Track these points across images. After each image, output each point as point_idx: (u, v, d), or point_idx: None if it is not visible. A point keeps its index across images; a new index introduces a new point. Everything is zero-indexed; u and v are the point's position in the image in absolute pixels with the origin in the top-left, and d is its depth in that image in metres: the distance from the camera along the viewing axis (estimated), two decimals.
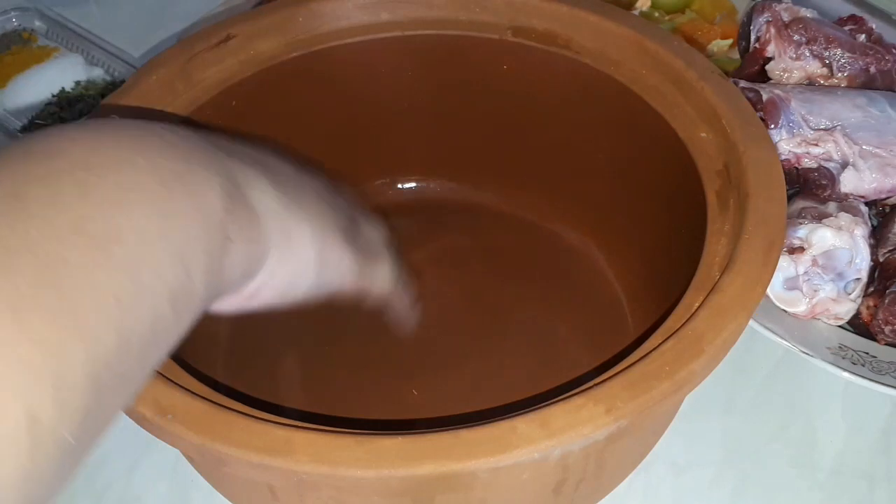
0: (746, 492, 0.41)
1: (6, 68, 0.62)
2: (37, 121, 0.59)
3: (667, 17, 0.65)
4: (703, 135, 0.38)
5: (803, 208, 0.48)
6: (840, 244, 0.45)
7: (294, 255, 0.29)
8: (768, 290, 0.44)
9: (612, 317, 0.46)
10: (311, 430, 0.27)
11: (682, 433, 0.43)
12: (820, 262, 0.46)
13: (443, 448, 0.26)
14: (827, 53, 0.54)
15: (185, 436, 0.27)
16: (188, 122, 0.40)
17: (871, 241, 0.47)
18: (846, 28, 0.57)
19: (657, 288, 0.40)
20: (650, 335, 0.30)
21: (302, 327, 0.46)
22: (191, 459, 0.39)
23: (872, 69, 0.54)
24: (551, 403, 0.27)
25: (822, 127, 0.50)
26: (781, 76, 0.56)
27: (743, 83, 0.52)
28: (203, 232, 0.24)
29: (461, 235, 0.51)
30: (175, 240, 0.23)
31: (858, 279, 0.46)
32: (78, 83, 0.61)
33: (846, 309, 0.46)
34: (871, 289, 0.46)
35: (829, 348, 0.44)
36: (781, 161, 0.45)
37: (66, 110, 0.60)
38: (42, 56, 0.63)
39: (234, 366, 0.44)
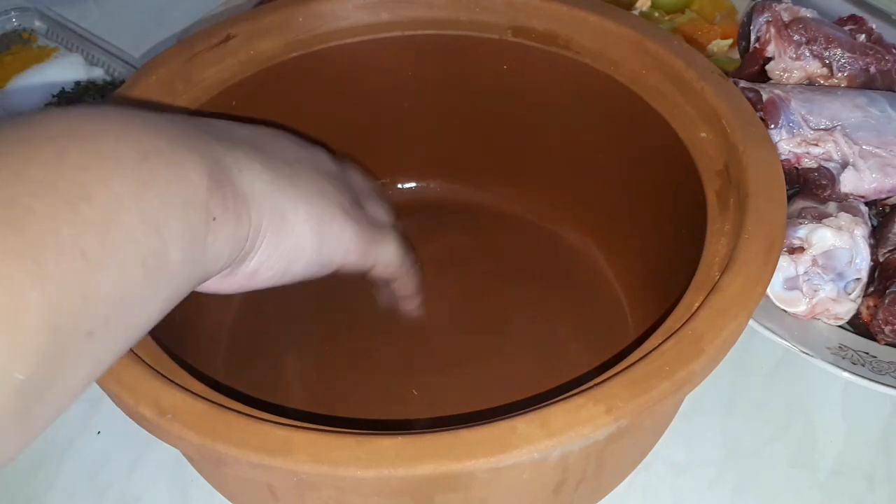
0: (746, 492, 0.41)
1: (6, 68, 0.62)
2: None
3: (667, 17, 0.65)
4: (703, 135, 0.38)
5: (803, 208, 0.48)
6: (840, 244, 0.45)
7: (289, 235, 0.29)
8: (768, 290, 0.44)
9: (612, 317, 0.46)
10: (311, 430, 0.27)
11: (682, 433, 0.43)
12: (820, 262, 0.46)
13: (442, 448, 0.26)
14: (827, 53, 0.54)
15: (185, 436, 0.27)
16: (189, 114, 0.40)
17: (871, 241, 0.47)
18: (846, 28, 0.57)
19: (657, 288, 0.40)
20: (650, 335, 0.30)
21: (302, 327, 0.46)
22: (191, 459, 0.39)
23: (872, 69, 0.54)
24: (551, 403, 0.27)
25: (822, 127, 0.50)
26: (781, 76, 0.56)
27: (743, 83, 0.52)
28: (181, 205, 0.24)
29: (461, 235, 0.51)
30: (149, 207, 0.23)
31: (858, 279, 0.46)
32: (78, 83, 0.61)
33: (846, 309, 0.46)
34: (871, 289, 0.46)
35: (829, 348, 0.44)
36: (781, 161, 0.45)
37: None
38: (42, 56, 0.63)
39: (234, 366, 0.44)
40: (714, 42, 0.63)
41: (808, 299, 0.45)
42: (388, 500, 0.30)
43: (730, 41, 0.63)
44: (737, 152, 0.36)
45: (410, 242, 0.39)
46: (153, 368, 0.29)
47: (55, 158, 0.22)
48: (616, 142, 0.44)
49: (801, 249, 0.46)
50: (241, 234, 0.27)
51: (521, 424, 0.26)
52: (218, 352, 0.44)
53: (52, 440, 0.44)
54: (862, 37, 0.57)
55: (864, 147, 0.49)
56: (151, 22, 0.70)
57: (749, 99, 0.45)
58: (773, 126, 0.50)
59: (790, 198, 0.50)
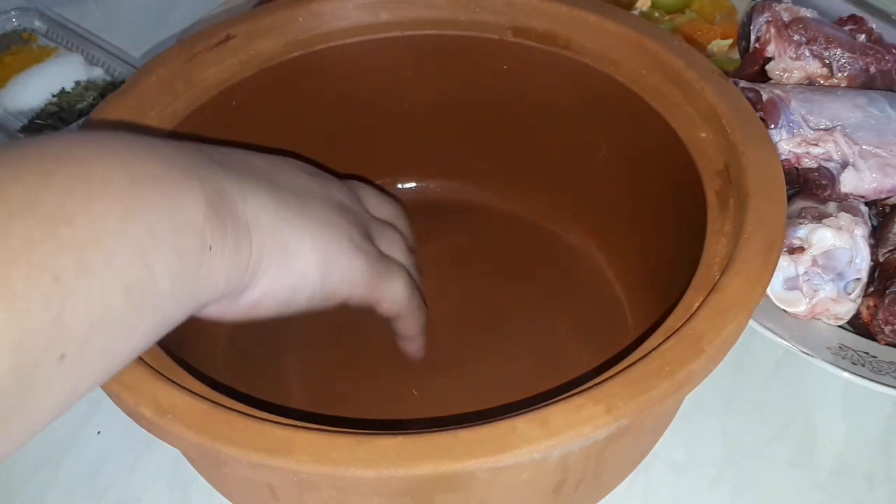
0: (746, 492, 0.41)
1: (6, 68, 0.62)
2: (37, 121, 0.59)
3: (667, 17, 0.65)
4: (703, 135, 0.38)
5: (803, 208, 0.48)
6: (840, 244, 0.45)
7: (292, 267, 0.29)
8: (768, 290, 0.44)
9: (612, 317, 0.46)
10: (311, 430, 0.27)
11: (682, 433, 0.43)
12: (820, 262, 0.46)
13: (442, 448, 0.26)
14: (827, 53, 0.54)
15: (185, 436, 0.27)
16: (193, 138, 0.40)
17: (871, 241, 0.47)
18: (846, 28, 0.57)
19: (657, 288, 0.40)
20: (650, 335, 0.30)
21: (302, 327, 0.46)
22: (191, 459, 0.39)
23: (872, 69, 0.54)
24: (551, 403, 0.27)
25: (822, 127, 0.50)
26: (781, 76, 0.56)
27: (743, 83, 0.52)
28: (172, 232, 0.24)
29: (461, 235, 0.51)
30: (135, 233, 0.23)
31: (858, 279, 0.46)
32: (78, 83, 0.61)
33: (846, 309, 0.46)
34: (871, 289, 0.46)
35: (829, 348, 0.44)
36: (781, 161, 0.45)
37: (66, 110, 0.60)
38: (42, 56, 0.63)
39: (234, 366, 0.44)
40: (714, 42, 0.63)
41: (808, 299, 0.45)
42: (389, 500, 0.30)
43: (730, 41, 0.63)
44: (737, 152, 0.36)
45: (419, 285, 0.39)
46: (153, 368, 0.29)
47: (40, 180, 0.21)
48: (616, 142, 0.44)
49: (801, 249, 0.46)
50: (239, 264, 0.27)
51: (521, 424, 0.26)
52: (218, 352, 0.44)
53: (52, 440, 0.44)
54: (862, 37, 0.57)
55: (864, 147, 0.49)
56: (151, 22, 0.70)
57: (749, 99, 0.45)
58: (773, 126, 0.50)
59: (790, 198, 0.50)
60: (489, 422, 0.27)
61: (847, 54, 0.54)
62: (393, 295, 0.35)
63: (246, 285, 0.28)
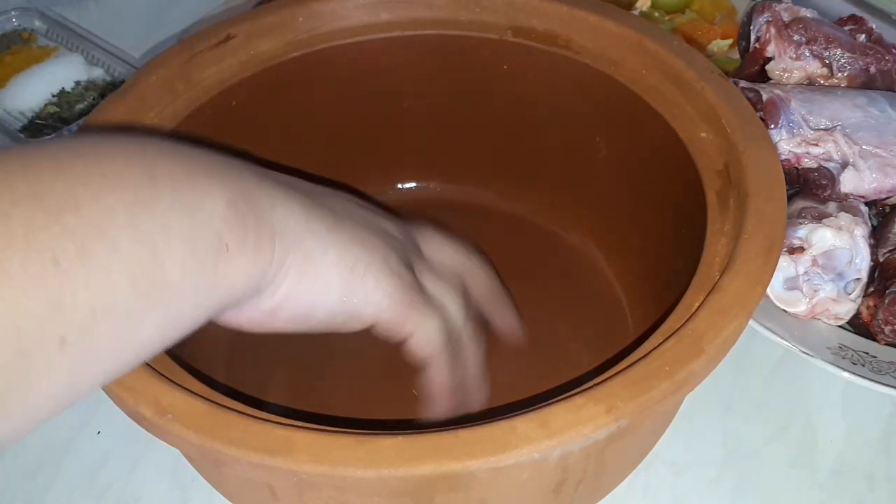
0: (746, 492, 0.41)
1: (6, 68, 0.62)
2: (37, 121, 0.59)
3: (667, 17, 0.65)
4: (703, 135, 0.38)
5: (803, 208, 0.48)
6: (840, 244, 0.45)
7: (314, 277, 0.29)
8: (768, 290, 0.44)
9: (612, 317, 0.46)
10: (311, 430, 0.27)
11: (682, 433, 0.43)
12: (820, 262, 0.46)
13: (442, 448, 0.26)
14: (827, 53, 0.54)
15: (185, 436, 0.27)
16: (193, 139, 0.40)
17: (871, 241, 0.47)
18: (846, 28, 0.57)
19: (657, 288, 0.40)
20: (650, 335, 0.30)
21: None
22: (191, 459, 0.39)
23: (872, 69, 0.54)
24: (551, 403, 0.27)
25: (822, 127, 0.50)
26: (781, 76, 0.56)
27: (743, 83, 0.52)
28: (187, 229, 0.24)
29: (461, 235, 0.51)
30: (145, 227, 0.23)
31: (858, 279, 0.46)
32: (78, 83, 0.61)
33: (846, 309, 0.46)
34: (871, 289, 0.46)
35: (829, 348, 0.44)
36: (781, 161, 0.45)
37: (66, 110, 0.60)
38: (42, 56, 0.64)
39: (234, 366, 0.44)
40: (714, 42, 0.63)
41: (808, 299, 0.45)
42: (389, 500, 0.30)
43: (730, 41, 0.63)
44: (737, 152, 0.36)
45: (482, 343, 0.36)
46: (153, 368, 0.29)
47: (52, 173, 0.22)
48: (616, 142, 0.44)
49: (801, 249, 0.46)
50: (259, 266, 0.27)
51: (521, 424, 0.26)
52: (218, 352, 0.44)
53: (52, 440, 0.44)
54: (862, 37, 0.57)
55: (864, 147, 0.49)
56: (151, 22, 0.70)
57: (749, 99, 0.45)
58: (773, 126, 0.50)
59: (790, 198, 0.50)
60: (489, 422, 0.27)
61: (847, 54, 0.54)
62: (425, 333, 0.32)
63: (264, 290, 0.28)
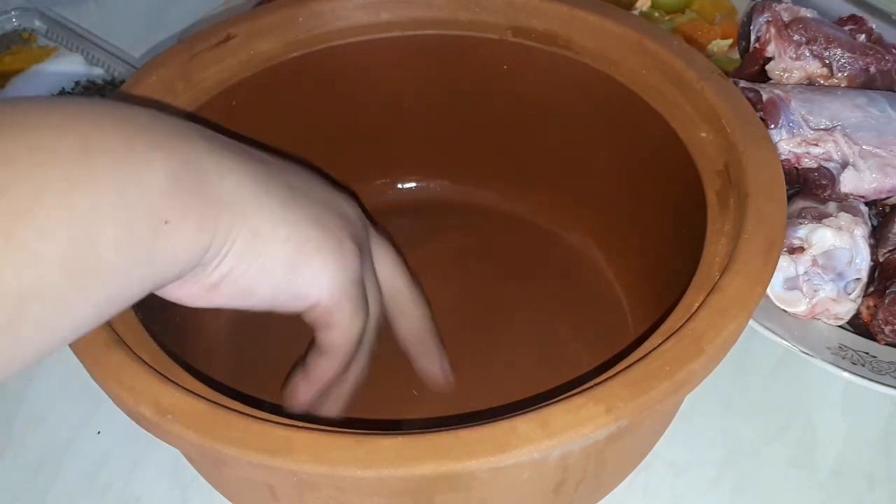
0: (746, 492, 0.41)
1: (6, 68, 0.62)
2: None
3: (667, 17, 0.65)
4: (703, 135, 0.38)
5: (803, 208, 0.48)
6: (840, 244, 0.45)
7: (260, 253, 0.28)
8: (768, 290, 0.44)
9: (612, 317, 0.46)
10: (311, 430, 0.27)
11: (682, 433, 0.43)
12: (820, 262, 0.46)
13: (442, 448, 0.26)
14: (827, 53, 0.54)
15: (185, 436, 0.27)
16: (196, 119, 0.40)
17: (871, 241, 0.47)
18: (846, 28, 0.57)
19: (657, 288, 0.40)
20: (650, 335, 0.30)
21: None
22: (191, 459, 0.39)
23: (872, 69, 0.54)
24: (551, 403, 0.27)
25: (822, 127, 0.50)
26: (781, 76, 0.56)
27: (743, 83, 0.52)
28: (122, 206, 0.23)
29: (461, 235, 0.51)
30: (77, 207, 0.22)
31: (858, 279, 0.46)
32: (78, 83, 0.61)
33: (846, 309, 0.46)
34: (871, 289, 0.46)
35: (829, 348, 0.44)
36: (781, 161, 0.45)
37: None
38: (42, 56, 0.63)
39: (234, 366, 0.44)
40: (714, 42, 0.63)
41: (808, 299, 0.45)
42: (389, 500, 0.30)
43: (730, 41, 0.63)
44: (737, 152, 0.36)
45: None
46: (153, 368, 0.29)
47: None
48: (616, 142, 0.44)
49: (801, 249, 0.46)
50: (201, 242, 0.26)
51: (521, 424, 0.26)
52: (218, 352, 0.44)
53: (52, 440, 0.44)
54: (862, 37, 0.57)
55: (864, 147, 0.49)
56: (151, 22, 0.70)
57: (749, 99, 0.45)
58: (773, 126, 0.50)
59: (790, 198, 0.50)
60: (489, 422, 0.27)
61: (847, 54, 0.54)
62: (349, 328, 0.32)
63: (208, 264, 0.27)
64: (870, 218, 0.49)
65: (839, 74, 0.54)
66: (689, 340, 0.29)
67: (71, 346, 0.29)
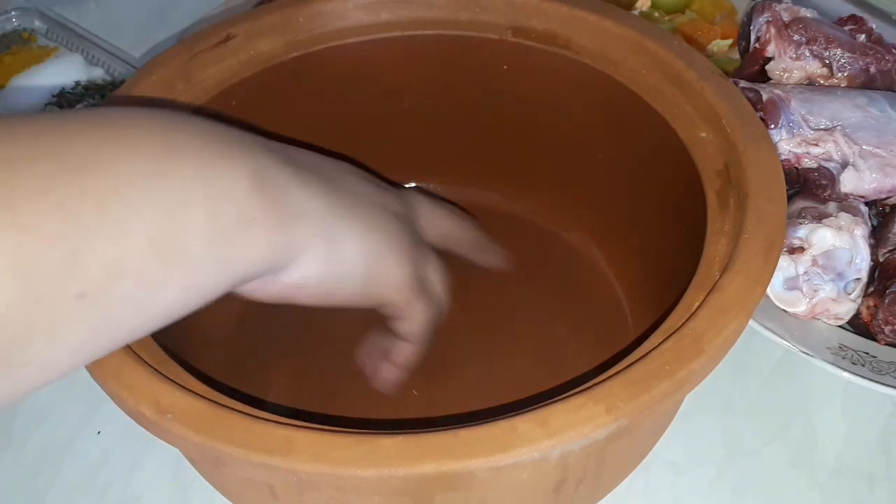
0: (746, 492, 0.41)
1: (6, 68, 0.62)
2: None
3: (667, 17, 0.65)
4: (703, 135, 0.38)
5: (803, 208, 0.48)
6: (840, 244, 0.45)
7: (339, 260, 0.30)
8: (768, 290, 0.44)
9: (612, 317, 0.46)
10: (311, 430, 0.27)
11: (682, 433, 0.43)
12: (820, 262, 0.46)
13: (443, 447, 0.26)
14: (827, 53, 0.54)
15: (185, 436, 0.27)
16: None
17: (871, 241, 0.47)
18: (846, 28, 0.57)
19: (657, 288, 0.40)
20: (650, 335, 0.30)
21: (303, 326, 0.46)
22: (191, 459, 0.39)
23: (872, 69, 0.54)
24: (551, 403, 0.27)
25: (822, 127, 0.50)
26: (781, 76, 0.56)
27: (743, 83, 0.52)
28: (208, 199, 0.25)
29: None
30: (165, 193, 0.24)
31: (858, 279, 0.46)
32: (78, 83, 0.61)
33: (846, 309, 0.46)
34: (871, 289, 0.46)
35: (829, 348, 0.44)
36: (781, 161, 0.45)
37: (67, 110, 0.60)
38: (42, 56, 0.63)
39: (234, 366, 0.44)
40: (714, 42, 0.63)
41: (808, 299, 0.45)
42: (389, 499, 0.30)
43: (730, 41, 0.63)
44: (737, 152, 0.36)
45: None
46: (153, 368, 0.29)
47: (76, 135, 0.23)
48: (616, 142, 0.44)
49: (801, 249, 0.46)
50: (283, 241, 0.27)
51: (521, 424, 0.26)
52: (218, 352, 0.44)
53: (52, 440, 0.44)
54: (862, 37, 0.57)
55: (864, 147, 0.49)
56: (151, 22, 0.70)
57: (749, 99, 0.45)
58: (773, 126, 0.50)
59: (790, 198, 0.50)
60: (489, 422, 0.27)
61: (847, 54, 0.54)
62: (417, 319, 0.36)
63: (287, 266, 0.28)
64: (870, 218, 0.49)
65: (839, 74, 0.55)
66: (689, 340, 0.29)
67: None
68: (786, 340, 0.44)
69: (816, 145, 0.49)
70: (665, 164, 0.40)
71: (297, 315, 0.47)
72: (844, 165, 0.49)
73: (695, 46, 0.52)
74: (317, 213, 0.29)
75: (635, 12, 0.64)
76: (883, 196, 0.49)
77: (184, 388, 0.28)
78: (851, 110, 0.51)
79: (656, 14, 0.65)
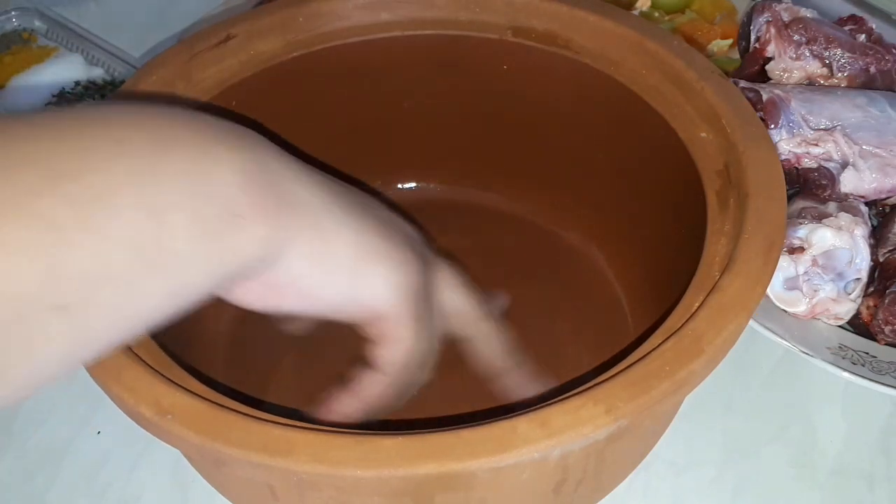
0: (746, 492, 0.41)
1: (6, 68, 0.62)
2: None
3: (667, 17, 0.65)
4: (703, 135, 0.38)
5: (803, 208, 0.48)
6: (840, 244, 0.45)
7: (326, 256, 0.28)
8: (768, 290, 0.44)
9: (612, 317, 0.46)
10: (311, 430, 0.27)
11: (682, 433, 0.43)
12: (820, 262, 0.46)
13: (443, 448, 0.26)
14: (827, 53, 0.54)
15: (185, 436, 0.27)
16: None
17: (871, 241, 0.47)
18: (846, 28, 0.57)
19: (657, 288, 0.40)
20: (650, 335, 0.30)
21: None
22: (191, 460, 0.39)
23: (872, 69, 0.54)
24: (551, 403, 0.27)
25: (822, 127, 0.50)
26: (781, 76, 0.56)
27: (743, 83, 0.52)
28: (195, 197, 0.24)
29: (461, 236, 0.51)
30: (149, 194, 0.23)
31: (858, 279, 0.46)
32: (78, 83, 0.61)
33: (846, 309, 0.46)
34: (871, 289, 0.46)
35: (829, 348, 0.44)
36: (781, 161, 0.45)
37: None
38: (42, 56, 0.63)
39: (234, 366, 0.44)
40: (714, 42, 0.63)
41: (808, 299, 0.45)
42: (389, 500, 0.30)
43: (730, 41, 0.63)
44: (737, 152, 0.36)
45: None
46: (153, 368, 0.29)
47: (56, 138, 0.22)
48: (616, 142, 0.44)
49: (801, 249, 0.46)
50: (269, 237, 0.26)
51: (522, 424, 0.26)
52: (218, 352, 0.44)
53: (52, 440, 0.44)
54: (862, 37, 0.57)
55: (864, 147, 0.49)
56: (151, 22, 0.70)
57: (749, 99, 0.45)
58: (773, 126, 0.50)
59: (790, 198, 0.50)
60: (489, 422, 0.27)
61: (847, 54, 0.54)
62: (402, 348, 0.30)
63: (275, 262, 0.27)
64: (870, 218, 0.49)
65: (839, 74, 0.54)
66: (689, 340, 0.29)
67: None
68: (786, 340, 0.44)
69: (816, 145, 0.49)
70: (665, 164, 0.40)
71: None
72: (844, 165, 0.49)
73: (695, 46, 0.52)
74: (309, 205, 0.27)
75: (635, 12, 0.64)
76: (883, 196, 0.49)
77: (184, 388, 0.28)
78: (851, 110, 0.51)
79: (656, 14, 0.65)
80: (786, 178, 0.35)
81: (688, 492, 0.41)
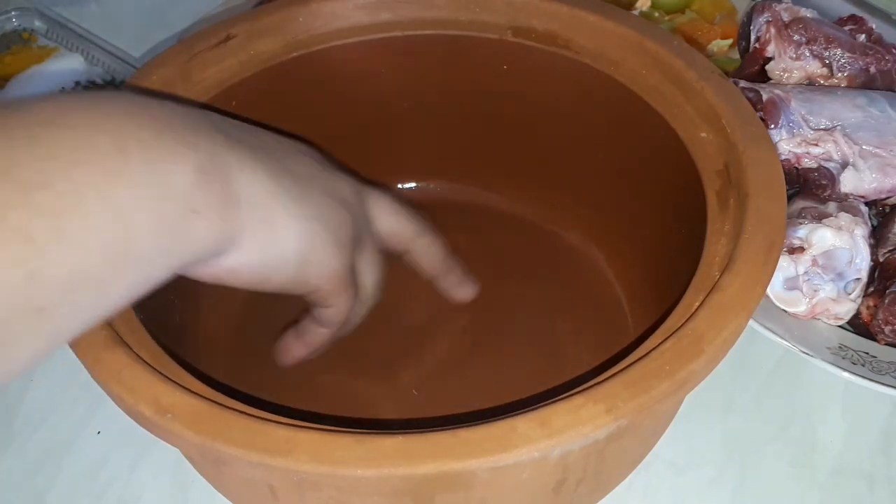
0: (746, 492, 0.41)
1: (6, 68, 0.62)
2: None
3: (667, 17, 0.65)
4: (703, 135, 0.38)
5: (803, 208, 0.48)
6: (840, 244, 0.45)
7: (274, 246, 0.30)
8: (768, 290, 0.44)
9: (612, 317, 0.46)
10: (312, 430, 0.27)
11: (682, 433, 0.43)
12: (820, 262, 0.46)
13: (443, 447, 0.26)
14: (827, 53, 0.54)
15: (185, 435, 0.27)
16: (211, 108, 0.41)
17: (871, 241, 0.47)
18: (846, 28, 0.57)
19: (657, 288, 0.40)
20: (650, 335, 0.30)
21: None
22: (191, 459, 0.39)
23: (872, 69, 0.54)
24: (551, 403, 0.27)
25: (822, 127, 0.50)
26: (781, 76, 0.56)
27: (743, 83, 0.52)
28: (156, 198, 0.25)
29: (461, 235, 0.51)
30: (116, 199, 0.24)
31: (858, 279, 0.46)
32: (78, 83, 0.61)
33: (846, 309, 0.46)
34: (871, 289, 0.46)
35: (829, 348, 0.44)
36: (781, 161, 0.45)
37: None
38: (42, 56, 0.63)
39: (234, 366, 0.44)
40: (714, 42, 0.63)
41: (808, 299, 0.45)
42: (389, 499, 0.30)
43: (730, 41, 0.63)
44: (737, 152, 0.36)
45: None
46: (153, 368, 0.29)
47: (23, 146, 0.23)
48: (616, 142, 0.44)
49: (801, 249, 0.46)
50: (223, 230, 0.28)
51: (522, 424, 0.26)
52: (218, 351, 0.44)
53: (52, 440, 0.44)
54: (862, 37, 0.57)
55: (864, 147, 0.49)
56: (151, 22, 0.70)
57: (749, 99, 0.45)
58: (773, 126, 0.50)
59: (790, 198, 0.50)
60: (489, 422, 0.27)
61: (847, 54, 0.54)
62: (339, 311, 0.36)
63: (228, 250, 0.29)
64: (870, 218, 0.49)
65: (839, 74, 0.55)
66: (689, 340, 0.29)
67: (71, 345, 0.29)
68: (786, 340, 0.44)
69: (816, 145, 0.49)
70: (665, 164, 0.40)
71: (295, 314, 0.47)
72: (844, 165, 0.49)
73: (695, 46, 0.52)
74: (258, 199, 0.29)
75: (635, 12, 0.64)
76: (883, 196, 0.49)
77: (184, 388, 0.28)
78: (851, 110, 0.51)
79: (656, 14, 0.65)
80: (786, 178, 0.35)
81: (688, 492, 0.41)
